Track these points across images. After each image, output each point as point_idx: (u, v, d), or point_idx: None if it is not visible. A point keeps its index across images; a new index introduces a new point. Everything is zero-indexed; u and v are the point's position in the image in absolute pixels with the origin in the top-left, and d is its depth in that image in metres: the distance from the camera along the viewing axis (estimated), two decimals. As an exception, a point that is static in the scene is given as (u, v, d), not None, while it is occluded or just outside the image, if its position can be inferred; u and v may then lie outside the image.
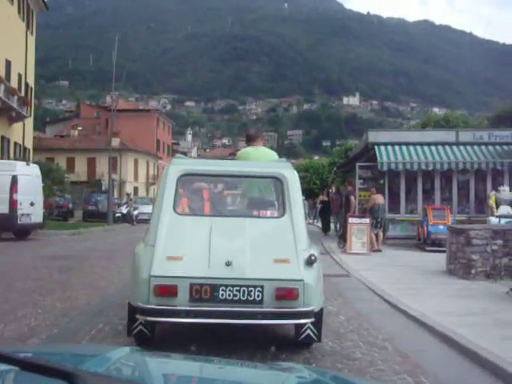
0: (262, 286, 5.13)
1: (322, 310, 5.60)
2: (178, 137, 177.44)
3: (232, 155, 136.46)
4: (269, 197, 6.60)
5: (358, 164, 21.06)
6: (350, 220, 16.15)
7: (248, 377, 1.93)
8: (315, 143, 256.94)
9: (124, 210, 34.73)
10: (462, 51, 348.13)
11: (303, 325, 5.45)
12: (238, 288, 5.12)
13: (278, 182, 6.04)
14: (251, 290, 5.14)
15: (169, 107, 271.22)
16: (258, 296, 5.14)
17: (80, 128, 72.30)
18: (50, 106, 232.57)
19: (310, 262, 5.34)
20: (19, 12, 35.26)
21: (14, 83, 32.73)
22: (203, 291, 5.11)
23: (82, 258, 14.09)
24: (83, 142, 67.76)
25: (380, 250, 16.83)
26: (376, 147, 19.72)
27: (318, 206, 20.50)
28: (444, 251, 16.94)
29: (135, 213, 34.91)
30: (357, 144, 28.67)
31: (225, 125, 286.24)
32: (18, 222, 19.09)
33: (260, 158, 7.18)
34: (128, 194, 38.46)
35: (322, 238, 21.18)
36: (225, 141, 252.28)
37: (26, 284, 9.53)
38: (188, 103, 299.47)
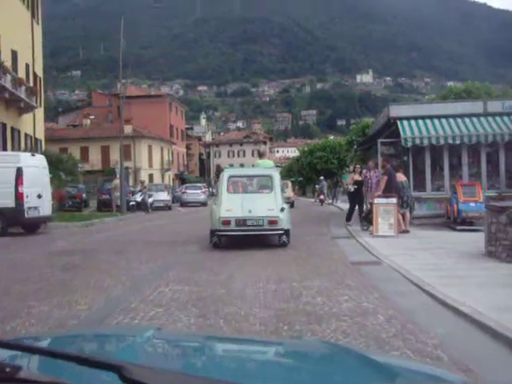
0: (263, 219, 12.99)
1: (289, 229, 13.53)
2: (191, 122, 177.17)
3: (247, 137, 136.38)
4: (266, 184, 14.16)
5: (379, 141, 19.93)
6: (376, 200, 15.07)
7: (268, 355, 2.12)
8: (330, 122, 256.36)
9: (138, 197, 33.80)
10: (476, 23, 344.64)
11: (281, 235, 13.36)
12: (254, 220, 12.99)
13: (270, 177, 14.07)
14: (259, 221, 13.00)
15: (181, 92, 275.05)
16: (262, 223, 13.01)
17: (92, 117, 71.37)
18: (63, 96, 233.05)
19: (282, 209, 13.30)
20: (23, 1, 34.36)
21: (21, 73, 31.91)
22: (240, 222, 12.97)
23: (90, 252, 13.17)
24: (96, 131, 66.94)
25: (408, 231, 15.73)
26: (398, 122, 18.56)
27: (350, 187, 18.61)
28: (476, 230, 15.99)
29: (150, 200, 34.03)
30: (375, 120, 27.43)
31: (238, 108, 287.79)
32: (26, 215, 18.20)
33: (265, 165, 15.57)
34: (142, 182, 37.58)
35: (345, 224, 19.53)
36: (239, 124, 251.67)
37: (24, 286, 8.60)
38: (200, 88, 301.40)
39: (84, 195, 38.74)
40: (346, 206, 36.31)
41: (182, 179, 77.10)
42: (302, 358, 2.06)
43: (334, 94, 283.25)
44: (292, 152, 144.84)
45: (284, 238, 13.40)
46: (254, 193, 14.20)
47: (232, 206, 13.16)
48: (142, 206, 33.19)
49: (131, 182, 56.18)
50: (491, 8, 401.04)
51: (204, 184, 56.96)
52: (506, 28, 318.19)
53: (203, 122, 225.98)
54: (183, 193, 45.46)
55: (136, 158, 64.19)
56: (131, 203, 33.16)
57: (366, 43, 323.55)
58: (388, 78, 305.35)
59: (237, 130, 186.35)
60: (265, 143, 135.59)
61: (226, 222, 13.01)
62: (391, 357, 3.67)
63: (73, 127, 75.17)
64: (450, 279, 8.21)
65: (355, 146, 23.75)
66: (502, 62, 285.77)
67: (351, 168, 25.86)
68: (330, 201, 42.25)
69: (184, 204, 43.40)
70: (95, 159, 65.11)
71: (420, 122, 18.64)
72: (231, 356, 2.05)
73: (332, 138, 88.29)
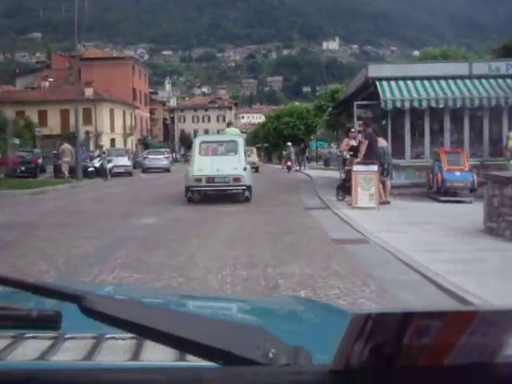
0: (228, 176, 15.54)
1: (250, 185, 15.93)
2: (156, 87, 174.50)
3: (212, 102, 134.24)
4: (232, 148, 16.14)
5: (356, 103, 18.37)
6: (356, 167, 13.56)
7: (243, 310, 2.05)
8: (295, 89, 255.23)
9: (97, 163, 31.73)
10: None
11: (244, 190, 15.84)
12: (221, 178, 15.54)
13: (235, 143, 16.27)
14: (226, 178, 15.55)
15: (146, 57, 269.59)
16: (228, 181, 15.60)
17: (51, 79, 68.21)
18: (23, 59, 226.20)
19: (244, 169, 15.73)
20: None
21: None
22: (210, 179, 15.49)
23: (30, 226, 11.37)
24: (55, 94, 63.93)
25: (388, 202, 14.29)
26: (378, 83, 17.00)
27: (346, 153, 16.47)
28: (461, 202, 14.70)
29: (109, 166, 32.04)
30: (347, 84, 25.86)
31: (203, 73, 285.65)
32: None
33: (231, 133, 17.96)
34: (100, 146, 35.31)
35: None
36: (204, 89, 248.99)
37: None
38: (165, 52, 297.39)
39: (40, 160, 36.54)
40: (314, 172, 35.52)
41: (145, 144, 74.67)
42: (270, 313, 2.07)
43: (300, 61, 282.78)
44: (257, 118, 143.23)
45: (247, 193, 16.11)
46: (221, 155, 16.29)
47: (203, 166, 15.71)
48: (100, 172, 31.24)
49: (92, 147, 54.04)
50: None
51: (167, 149, 55.04)
52: None
53: (168, 87, 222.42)
54: (145, 158, 43.48)
55: (97, 123, 61.74)
56: (89, 169, 31.21)
57: (332, 10, 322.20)
58: (354, 46, 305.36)
59: (202, 96, 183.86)
60: (230, 109, 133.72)
61: (198, 180, 15.73)
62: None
63: (31, 90, 72.02)
64: (456, 264, 6.76)
65: (330, 109, 22.05)
66: (469, 32, 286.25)
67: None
68: (298, 167, 40.78)
69: (146, 170, 41.52)
70: (54, 123, 62.32)
71: (401, 83, 17.13)
72: (196, 312, 1.98)
73: (297, 104, 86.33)
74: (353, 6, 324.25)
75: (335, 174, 30.06)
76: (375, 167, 13.47)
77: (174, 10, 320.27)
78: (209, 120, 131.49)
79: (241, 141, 16.84)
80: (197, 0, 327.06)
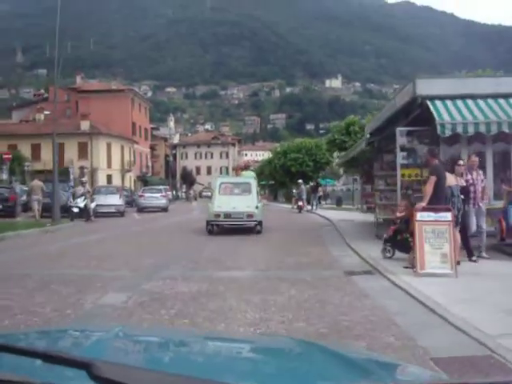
0: (243, 213, 19.16)
1: (261, 221, 19.57)
2: (159, 123, 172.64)
3: (215, 139, 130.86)
4: (247, 189, 19.93)
5: (398, 129, 14.31)
6: (420, 216, 9.40)
7: (237, 350, 2.11)
8: (299, 126, 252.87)
9: (81, 202, 27.41)
10: (444, 31, 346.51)
11: (256, 225, 19.43)
12: (237, 214, 19.12)
13: (249, 184, 20.29)
14: (241, 214, 19.16)
15: (150, 94, 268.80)
16: (242, 217, 19.23)
17: (47, 112, 64.43)
18: (27, 95, 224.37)
19: (257, 207, 19.35)
20: None
21: None
22: (227, 215, 19.12)
23: None
24: (50, 127, 60.26)
25: (458, 263, 10.09)
26: (429, 102, 13.00)
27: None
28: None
29: (92, 205, 27.78)
30: (383, 106, 21.73)
31: (207, 110, 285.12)
32: None
33: (247, 175, 22.31)
34: (83, 182, 30.59)
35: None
36: (207, 126, 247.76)
37: None
38: (169, 89, 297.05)
39: (23, 198, 32.32)
40: (329, 214, 31.36)
41: (144, 181, 70.75)
42: (270, 353, 2.09)
43: (303, 98, 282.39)
44: (260, 156, 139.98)
45: (258, 227, 19.39)
46: (237, 195, 19.67)
47: (222, 203, 18.99)
48: (84, 213, 27.12)
49: (88, 184, 50.10)
50: (459, 18, 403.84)
51: (166, 186, 51.14)
52: (473, 38, 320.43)
53: (171, 123, 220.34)
54: (140, 196, 39.44)
55: (93, 157, 58.03)
56: (74, 209, 27.10)
57: (335, 48, 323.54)
58: (357, 84, 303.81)
59: (205, 132, 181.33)
60: (233, 145, 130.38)
61: (217, 215, 19.00)
62: (367, 353, 3.31)
63: (25, 122, 68.49)
64: None
65: (367, 136, 17.87)
66: (468, 69, 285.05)
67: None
68: (309, 207, 36.74)
69: (141, 209, 37.59)
70: (48, 158, 58.50)
71: (459, 102, 13.14)
72: (200, 351, 2.06)
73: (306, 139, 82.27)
74: (355, 44, 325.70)
75: (356, 216, 26.30)
76: (449, 215, 9.33)
77: (179, 47, 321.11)
78: (212, 157, 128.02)
79: (254, 182, 20.61)
80: (201, 38, 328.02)
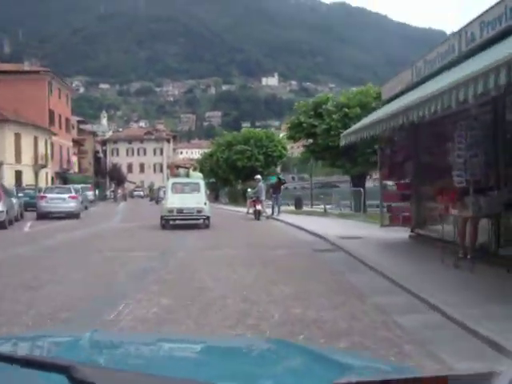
0: (193, 209, 21.79)
1: (209, 216, 22.20)
2: (92, 120, 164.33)
3: (148, 134, 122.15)
4: (195, 188, 22.65)
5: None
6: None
7: (213, 351, 2.16)
8: (235, 124, 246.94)
9: None
10: (378, 32, 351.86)
11: (204, 219, 22.14)
12: (188, 209, 21.75)
13: (198, 184, 23.14)
14: (191, 210, 21.82)
15: (82, 90, 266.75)
16: (193, 212, 21.95)
17: None
18: None
19: (205, 203, 22.11)
20: None
21: None
22: (179, 210, 21.77)
23: None
24: None
25: None
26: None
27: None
28: None
29: None
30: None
31: (141, 107, 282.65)
32: None
33: (195, 176, 26.29)
34: None
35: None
36: (142, 124, 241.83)
37: None
38: (102, 85, 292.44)
39: None
40: (299, 221, 22.60)
41: (64, 179, 60.98)
42: (242, 354, 2.10)
43: (239, 96, 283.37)
44: (196, 154, 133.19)
45: (206, 221, 22.07)
46: (188, 193, 22.34)
47: (174, 200, 21.70)
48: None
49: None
50: (392, 21, 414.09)
51: (84, 186, 42.27)
52: (407, 40, 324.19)
53: (104, 120, 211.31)
54: (41, 198, 29.79)
55: (-4, 149, 48.28)
56: None
57: (271, 46, 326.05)
58: (293, 82, 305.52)
59: (138, 128, 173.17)
60: (168, 141, 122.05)
61: (171, 211, 21.66)
62: (347, 353, 3.51)
63: None
64: None
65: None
66: (402, 70, 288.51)
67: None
68: (269, 213, 28.31)
69: (42, 215, 28.64)
70: None
71: None
72: (176, 353, 2.10)
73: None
74: (291, 43, 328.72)
75: (355, 228, 18.94)
76: None
77: (112, 42, 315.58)
78: (145, 153, 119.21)
79: (202, 182, 23.75)
80: (136, 33, 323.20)
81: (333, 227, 18.51)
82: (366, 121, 13.29)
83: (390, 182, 15.90)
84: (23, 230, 22.36)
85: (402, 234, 14.52)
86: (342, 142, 13.66)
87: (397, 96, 12.64)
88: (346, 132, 14.13)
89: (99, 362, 1.69)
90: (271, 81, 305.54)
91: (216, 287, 8.74)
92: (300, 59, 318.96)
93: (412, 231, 14.07)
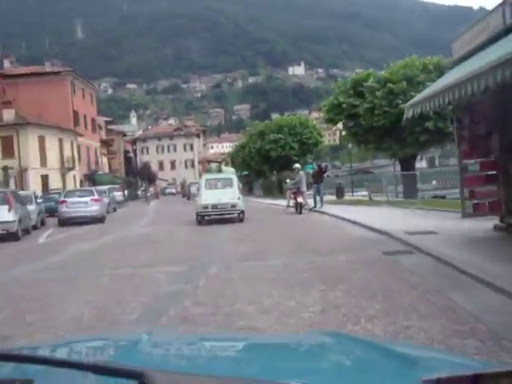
0: (227, 204, 22.46)
1: (243, 210, 22.74)
2: (121, 121, 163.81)
3: (178, 130, 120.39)
4: (228, 183, 23.47)
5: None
6: None
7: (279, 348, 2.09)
8: (264, 116, 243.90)
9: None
10: (404, 14, 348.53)
11: (239, 213, 22.70)
12: (222, 205, 22.36)
13: (231, 179, 23.91)
14: (226, 205, 22.44)
15: (110, 91, 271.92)
16: (227, 207, 22.56)
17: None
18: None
19: (239, 198, 22.75)
20: None
21: None
22: (214, 206, 22.35)
23: None
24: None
25: None
26: None
27: None
28: None
29: None
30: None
31: (170, 105, 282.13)
32: None
33: (227, 171, 26.02)
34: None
35: None
36: (171, 121, 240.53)
37: None
38: (130, 86, 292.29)
39: None
40: (349, 214, 19.11)
41: (92, 180, 58.91)
42: (307, 350, 2.06)
43: (266, 88, 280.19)
44: (226, 148, 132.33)
45: (241, 215, 22.50)
46: (221, 188, 22.94)
47: (208, 196, 22.36)
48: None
49: (12, 186, 39.01)
50: (418, 1, 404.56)
51: (112, 186, 39.97)
52: (434, 19, 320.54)
53: (133, 120, 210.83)
54: (61, 203, 27.32)
55: (21, 154, 46.37)
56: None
57: (296, 35, 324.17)
58: (320, 70, 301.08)
59: (167, 125, 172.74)
60: (198, 136, 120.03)
61: (205, 207, 22.30)
62: (408, 345, 3.31)
63: None
64: None
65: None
66: (430, 51, 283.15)
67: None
68: (311, 205, 25.40)
69: (64, 222, 26.41)
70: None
71: None
72: (239, 353, 2.04)
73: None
74: (316, 31, 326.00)
75: (422, 219, 14.60)
76: None
77: (137, 42, 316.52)
78: (175, 150, 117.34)
79: (235, 177, 24.41)
80: (159, 31, 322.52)
81: (390, 219, 15.74)
82: (435, 87, 10.49)
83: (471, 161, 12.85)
84: (38, 240, 19.80)
85: (482, 224, 11.82)
86: (408, 114, 10.83)
87: (478, 49, 9.80)
88: (412, 101, 11.33)
89: (166, 366, 1.63)
90: (298, 70, 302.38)
91: (268, 328, 5.85)
92: (326, 46, 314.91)
93: (501, 221, 11.18)
